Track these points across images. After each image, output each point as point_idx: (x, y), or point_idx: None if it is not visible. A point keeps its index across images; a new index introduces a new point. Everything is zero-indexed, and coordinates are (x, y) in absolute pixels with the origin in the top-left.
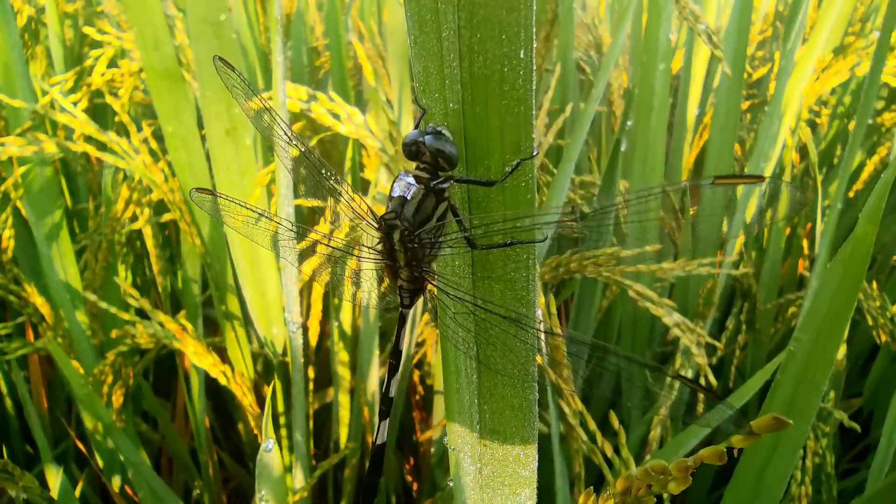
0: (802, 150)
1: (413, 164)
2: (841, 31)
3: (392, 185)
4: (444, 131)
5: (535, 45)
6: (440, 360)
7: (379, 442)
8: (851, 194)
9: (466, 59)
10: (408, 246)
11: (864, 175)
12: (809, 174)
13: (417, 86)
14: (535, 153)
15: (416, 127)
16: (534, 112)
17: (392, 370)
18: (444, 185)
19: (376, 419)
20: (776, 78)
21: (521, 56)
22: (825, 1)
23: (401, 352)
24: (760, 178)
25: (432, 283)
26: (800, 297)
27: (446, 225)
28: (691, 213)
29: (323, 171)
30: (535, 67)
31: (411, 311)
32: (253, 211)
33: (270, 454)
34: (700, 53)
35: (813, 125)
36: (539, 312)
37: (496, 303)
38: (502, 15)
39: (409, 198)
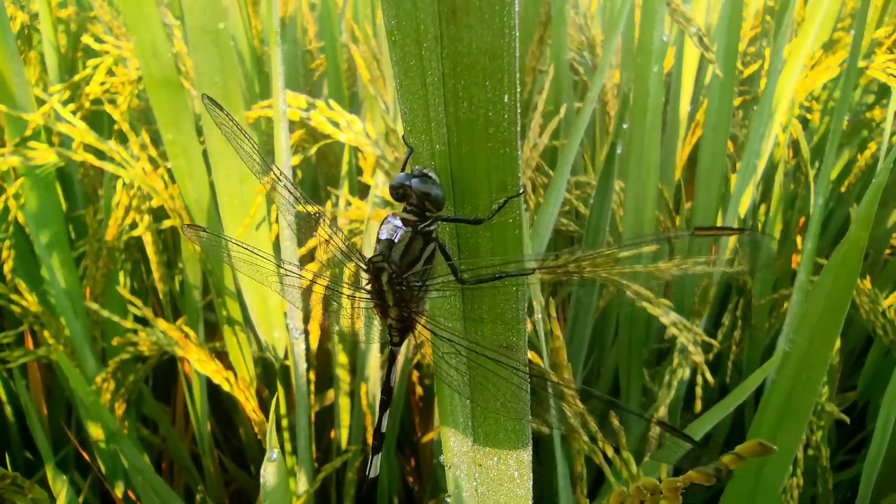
0: (794, 146)
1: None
2: (830, 26)
3: (380, 228)
4: (431, 174)
5: (518, 90)
6: None
7: (372, 475)
8: (843, 189)
9: (451, 104)
10: (396, 288)
11: (856, 169)
12: (801, 170)
13: (405, 126)
14: (521, 191)
15: (404, 168)
16: (519, 152)
17: (383, 406)
18: (431, 228)
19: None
20: (766, 76)
21: (506, 100)
22: None
23: (392, 388)
24: (740, 230)
25: (420, 324)
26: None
27: (435, 266)
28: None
29: (307, 209)
30: (518, 109)
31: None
32: (250, 251)
33: (274, 463)
34: (691, 50)
35: (805, 121)
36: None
37: (485, 343)
38: (486, 62)
39: (396, 241)
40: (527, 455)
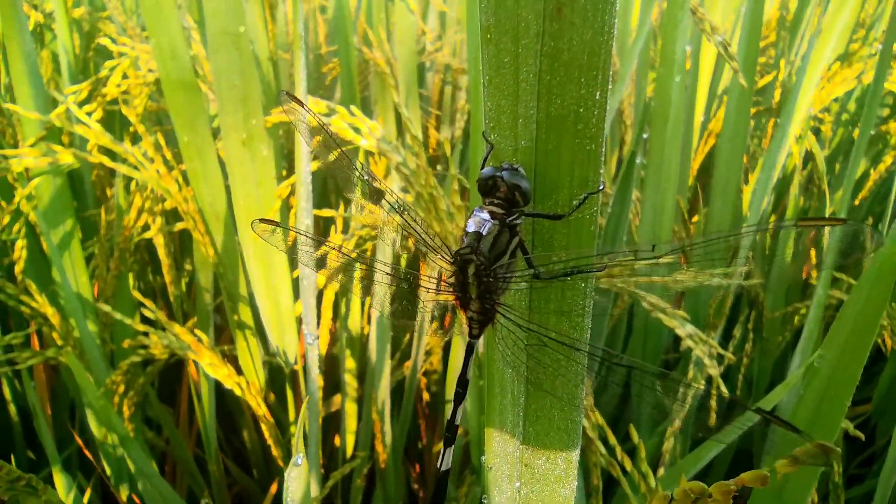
0: (805, 157)
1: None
2: (846, 38)
3: (467, 221)
4: (519, 168)
5: (610, 87)
6: (450, 369)
7: (444, 468)
8: (857, 202)
9: (544, 100)
10: (482, 280)
11: (869, 183)
12: (814, 181)
13: (487, 122)
14: (601, 187)
15: (484, 164)
16: (603, 148)
17: (458, 398)
18: (518, 221)
19: (387, 427)
20: (782, 87)
21: (598, 97)
22: (830, 10)
23: (468, 381)
24: (842, 221)
25: (503, 315)
26: (806, 306)
27: (516, 260)
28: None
29: (388, 197)
30: (607, 107)
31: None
32: (314, 240)
33: (299, 468)
34: (705, 60)
35: (816, 132)
36: None
37: (555, 330)
38: (583, 60)
39: (484, 233)
40: (575, 455)
